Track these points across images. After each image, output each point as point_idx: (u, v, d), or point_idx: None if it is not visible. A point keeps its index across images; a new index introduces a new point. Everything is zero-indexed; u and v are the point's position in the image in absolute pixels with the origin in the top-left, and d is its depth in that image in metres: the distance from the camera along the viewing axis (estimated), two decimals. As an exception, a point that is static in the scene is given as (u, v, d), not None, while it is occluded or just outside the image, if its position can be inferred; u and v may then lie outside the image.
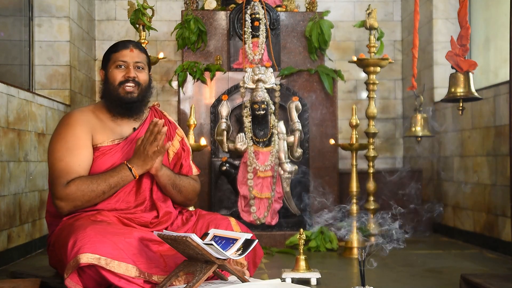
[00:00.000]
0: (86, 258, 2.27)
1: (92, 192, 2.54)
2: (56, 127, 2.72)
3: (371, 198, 4.63)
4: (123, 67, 2.70)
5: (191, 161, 2.94)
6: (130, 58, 2.71)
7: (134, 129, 2.76)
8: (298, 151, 4.57)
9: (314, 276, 3.11)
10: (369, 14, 4.45)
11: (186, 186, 2.79)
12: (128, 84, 2.69)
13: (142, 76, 2.73)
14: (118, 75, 2.70)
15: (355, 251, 4.00)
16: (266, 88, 4.53)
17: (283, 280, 3.07)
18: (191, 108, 4.10)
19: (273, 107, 4.55)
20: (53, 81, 4.92)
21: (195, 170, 2.96)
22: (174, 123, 2.93)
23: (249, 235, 2.42)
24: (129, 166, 2.59)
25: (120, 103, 2.70)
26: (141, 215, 2.68)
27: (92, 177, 2.57)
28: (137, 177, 2.62)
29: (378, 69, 4.45)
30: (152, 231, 2.52)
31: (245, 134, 4.48)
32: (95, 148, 2.65)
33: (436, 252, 4.21)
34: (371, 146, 4.52)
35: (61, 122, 2.71)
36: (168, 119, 2.90)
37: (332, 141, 4.46)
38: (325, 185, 4.83)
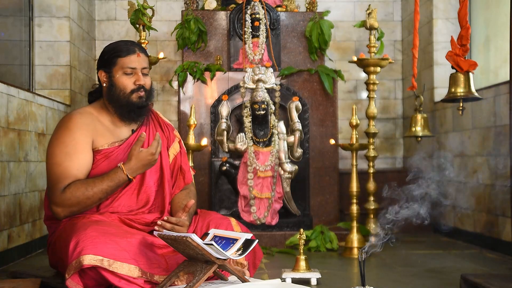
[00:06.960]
0: (89, 259, 2.27)
1: (88, 200, 2.51)
2: (55, 129, 2.69)
3: (371, 198, 4.63)
4: (132, 73, 2.68)
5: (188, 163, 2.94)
6: (139, 65, 2.68)
7: (133, 131, 2.74)
8: (298, 151, 4.57)
9: (314, 276, 3.11)
10: (369, 14, 4.45)
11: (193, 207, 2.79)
12: (140, 91, 2.68)
13: (147, 81, 2.72)
14: (128, 83, 2.67)
15: (355, 251, 4.00)
16: (266, 88, 4.53)
17: (283, 280, 3.07)
18: (191, 108, 4.10)
19: (273, 107, 4.55)
20: (53, 81, 4.92)
21: (191, 172, 2.97)
22: (170, 125, 2.92)
23: (249, 235, 2.42)
24: (125, 172, 2.54)
25: (132, 109, 2.68)
26: (143, 216, 2.67)
27: (87, 183, 2.53)
28: (134, 180, 2.60)
29: (378, 69, 4.45)
30: (153, 231, 2.52)
31: (245, 134, 4.48)
32: (97, 151, 2.63)
33: (436, 252, 4.21)
34: (371, 146, 4.52)
35: (60, 124, 2.68)
36: (164, 121, 2.89)
37: (332, 141, 4.46)
38: (325, 185, 4.84)
